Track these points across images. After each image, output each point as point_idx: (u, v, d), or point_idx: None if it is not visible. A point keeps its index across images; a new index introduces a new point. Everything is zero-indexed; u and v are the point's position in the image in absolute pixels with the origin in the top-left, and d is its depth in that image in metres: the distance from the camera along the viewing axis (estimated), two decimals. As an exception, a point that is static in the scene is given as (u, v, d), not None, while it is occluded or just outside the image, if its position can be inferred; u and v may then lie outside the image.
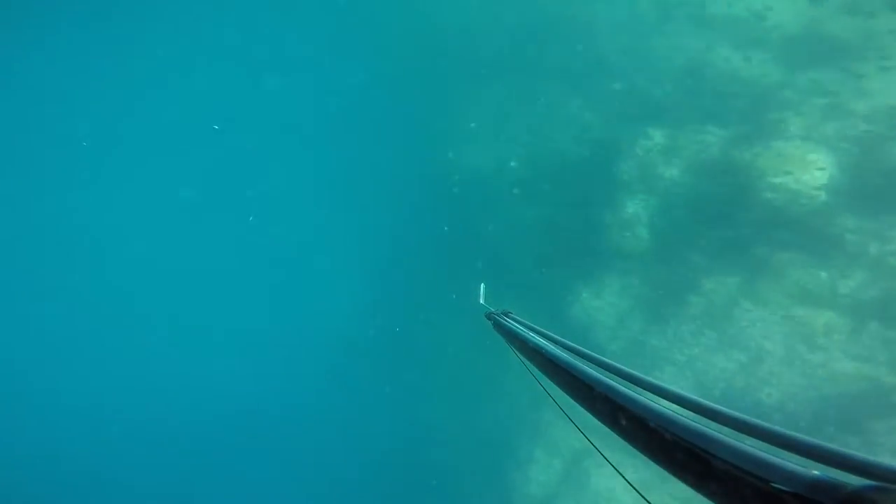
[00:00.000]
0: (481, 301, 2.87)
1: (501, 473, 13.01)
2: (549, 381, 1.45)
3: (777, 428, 0.84)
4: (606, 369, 1.28)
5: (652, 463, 0.97)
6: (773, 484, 0.74)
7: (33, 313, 20.29)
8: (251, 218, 20.87)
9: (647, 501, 1.44)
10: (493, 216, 14.49)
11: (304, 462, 17.28)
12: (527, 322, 1.88)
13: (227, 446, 18.23)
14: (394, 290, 16.42)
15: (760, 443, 0.84)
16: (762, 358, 8.95)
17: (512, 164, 14.32)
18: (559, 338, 1.58)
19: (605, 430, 1.15)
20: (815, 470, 0.73)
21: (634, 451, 1.05)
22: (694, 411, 1.00)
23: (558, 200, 13.49)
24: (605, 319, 12.16)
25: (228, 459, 18.09)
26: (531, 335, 1.72)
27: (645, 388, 1.15)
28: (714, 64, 10.63)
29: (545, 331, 1.69)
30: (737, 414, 0.92)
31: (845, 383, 8.01)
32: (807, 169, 8.75)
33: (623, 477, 1.52)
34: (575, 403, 1.27)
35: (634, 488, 1.42)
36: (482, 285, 3.11)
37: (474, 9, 16.06)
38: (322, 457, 16.67)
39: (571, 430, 8.69)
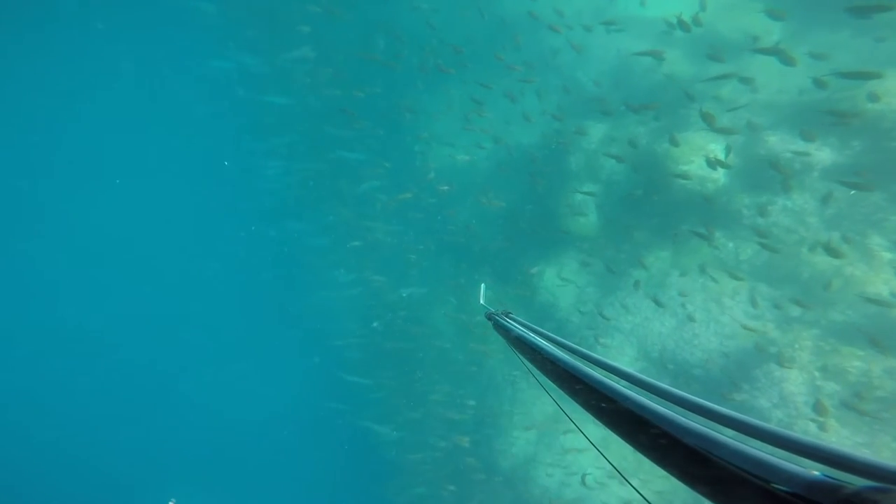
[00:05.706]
0: (481, 301, 2.83)
1: (487, 440, 14.63)
2: (548, 381, 1.45)
3: (777, 428, 0.82)
4: (605, 369, 1.29)
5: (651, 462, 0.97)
6: (772, 484, 0.73)
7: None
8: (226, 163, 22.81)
9: (647, 501, 1.50)
10: (463, 207, 15.81)
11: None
12: (527, 322, 1.88)
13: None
14: (385, 282, 17.72)
15: (760, 443, 0.83)
16: (686, 322, 10.37)
17: (477, 156, 15.57)
18: (558, 338, 1.58)
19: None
20: (815, 470, 0.71)
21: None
22: (693, 412, 0.99)
23: (521, 190, 14.81)
24: (566, 296, 13.58)
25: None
26: (530, 335, 1.72)
27: (644, 389, 1.15)
28: (636, 62, 11.77)
29: (544, 331, 1.69)
30: (737, 414, 0.90)
31: (743, 338, 9.44)
32: (708, 155, 10.00)
33: (627, 481, 1.60)
34: (574, 403, 1.26)
35: (638, 492, 1.46)
36: (482, 286, 3.07)
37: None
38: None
39: (545, 401, 10.19)
